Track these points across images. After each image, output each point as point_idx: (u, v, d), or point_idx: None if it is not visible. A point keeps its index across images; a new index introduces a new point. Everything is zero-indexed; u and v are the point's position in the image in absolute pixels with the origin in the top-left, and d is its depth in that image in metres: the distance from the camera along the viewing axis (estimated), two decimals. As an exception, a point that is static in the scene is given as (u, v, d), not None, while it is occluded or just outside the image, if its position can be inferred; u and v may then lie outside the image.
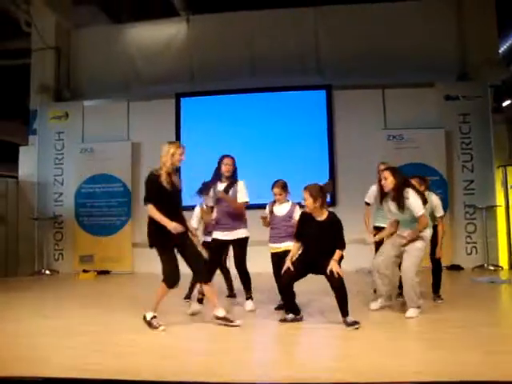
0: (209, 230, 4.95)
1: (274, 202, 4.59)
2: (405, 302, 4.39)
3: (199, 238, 4.83)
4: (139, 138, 8.83)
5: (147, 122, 8.80)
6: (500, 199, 7.93)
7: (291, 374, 2.83)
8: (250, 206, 4.78)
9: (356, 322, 3.79)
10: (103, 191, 8.70)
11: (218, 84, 8.73)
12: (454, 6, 8.73)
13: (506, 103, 9.21)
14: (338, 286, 3.81)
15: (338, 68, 8.65)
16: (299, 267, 3.99)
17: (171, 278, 3.93)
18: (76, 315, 4.70)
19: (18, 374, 2.77)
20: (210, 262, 4.44)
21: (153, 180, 3.94)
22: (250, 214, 4.84)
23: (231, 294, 5.41)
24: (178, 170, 4.16)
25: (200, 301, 4.61)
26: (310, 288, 5.13)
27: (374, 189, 5.24)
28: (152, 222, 3.93)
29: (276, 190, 4.51)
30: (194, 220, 5.12)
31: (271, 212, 4.57)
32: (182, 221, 3.96)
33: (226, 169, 4.67)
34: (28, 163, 9.17)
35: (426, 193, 4.64)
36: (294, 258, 4.06)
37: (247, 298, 4.74)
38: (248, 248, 4.74)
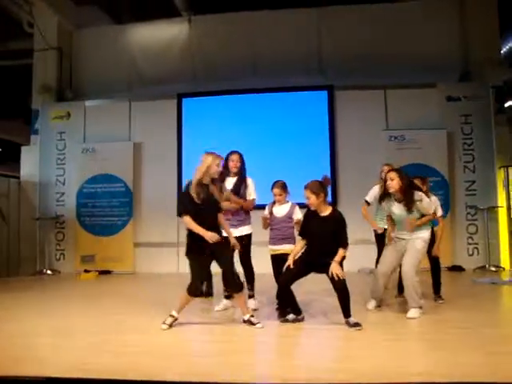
0: None
1: (274, 202, 4.56)
2: (404, 301, 4.39)
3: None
4: (141, 138, 8.84)
5: (149, 122, 8.81)
6: (502, 200, 7.92)
7: (292, 374, 2.83)
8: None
9: (358, 324, 3.79)
10: (105, 191, 8.71)
11: (219, 84, 8.73)
12: (455, 6, 8.73)
13: (507, 104, 9.19)
14: (340, 288, 3.81)
15: (339, 68, 8.65)
16: (300, 266, 3.99)
17: (193, 287, 3.98)
18: (77, 315, 4.71)
19: (19, 374, 2.78)
20: None
21: (185, 192, 4.03)
22: (251, 214, 4.89)
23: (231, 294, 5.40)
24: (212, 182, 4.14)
25: (227, 297, 4.72)
26: (312, 288, 5.14)
27: (376, 189, 5.24)
28: (188, 234, 4.03)
29: (276, 190, 4.48)
30: None
31: (271, 213, 4.54)
32: (216, 231, 4.00)
33: (232, 165, 4.78)
34: (30, 163, 9.19)
35: (428, 194, 4.67)
36: (297, 257, 4.06)
37: (250, 297, 4.75)
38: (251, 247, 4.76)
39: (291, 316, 4.11)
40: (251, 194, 4.81)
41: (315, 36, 8.96)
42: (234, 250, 4.26)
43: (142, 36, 9.64)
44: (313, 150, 8.27)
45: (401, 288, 5.04)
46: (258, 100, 8.61)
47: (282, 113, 8.47)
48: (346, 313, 3.86)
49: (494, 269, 7.47)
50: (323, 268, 3.86)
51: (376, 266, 4.77)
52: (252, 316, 4.01)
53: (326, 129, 8.34)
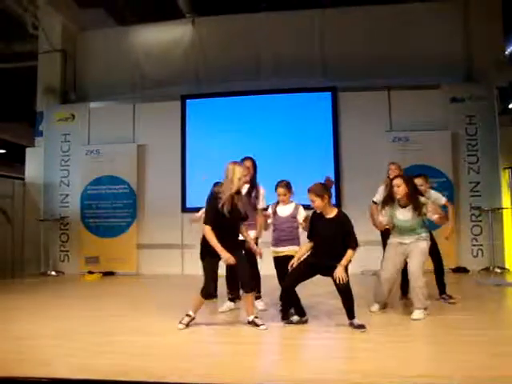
0: None
1: (278, 202, 4.52)
2: (408, 302, 4.37)
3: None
4: (145, 140, 8.86)
5: (153, 123, 8.83)
6: (506, 201, 7.89)
7: (296, 376, 2.83)
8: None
9: (362, 326, 3.78)
10: (109, 193, 8.73)
11: (223, 86, 8.74)
12: (460, 7, 8.69)
13: (512, 105, 9.17)
14: (343, 290, 3.81)
15: (343, 70, 8.63)
16: (305, 268, 3.99)
17: (207, 290, 4.01)
18: (81, 316, 4.71)
19: (23, 375, 2.79)
20: None
21: (213, 203, 4.00)
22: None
23: (236, 296, 5.39)
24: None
25: (231, 299, 4.77)
26: (316, 290, 5.14)
27: (383, 189, 5.24)
28: (204, 238, 4.04)
29: (280, 190, 4.45)
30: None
31: (274, 213, 4.50)
32: (235, 241, 4.06)
33: (246, 172, 4.67)
34: (34, 165, 9.22)
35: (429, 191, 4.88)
36: (302, 259, 4.05)
37: (257, 298, 4.74)
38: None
39: (295, 317, 4.10)
40: (260, 202, 4.79)
41: (318, 37, 8.95)
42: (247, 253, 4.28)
43: (145, 38, 9.66)
44: (316, 151, 8.26)
45: (404, 290, 5.04)
46: (262, 102, 8.61)
47: (286, 114, 8.46)
48: (350, 315, 3.86)
49: (498, 270, 7.43)
50: (328, 271, 3.86)
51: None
52: (256, 317, 4.02)
53: (329, 130, 8.33)
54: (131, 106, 9.04)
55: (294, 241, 4.42)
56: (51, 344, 3.60)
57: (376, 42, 8.58)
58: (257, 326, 3.94)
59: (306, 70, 8.79)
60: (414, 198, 4.32)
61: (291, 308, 4.15)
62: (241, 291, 5.18)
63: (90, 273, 8.28)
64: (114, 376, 2.79)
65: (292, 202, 4.51)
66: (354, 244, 3.86)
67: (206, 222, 3.97)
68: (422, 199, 4.36)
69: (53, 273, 8.54)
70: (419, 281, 4.18)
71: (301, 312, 4.10)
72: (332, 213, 3.97)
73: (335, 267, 3.79)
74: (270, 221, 4.57)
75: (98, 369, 2.92)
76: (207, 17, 9.39)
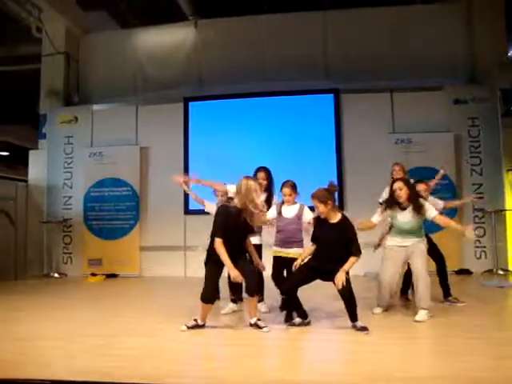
0: None
1: (283, 202, 4.49)
2: (410, 303, 4.35)
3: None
4: (147, 142, 8.87)
5: (156, 126, 8.84)
6: (509, 203, 7.87)
7: (299, 378, 2.83)
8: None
9: (365, 328, 3.77)
10: (112, 195, 8.75)
11: (226, 88, 8.74)
12: (462, 9, 8.69)
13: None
14: (345, 294, 3.80)
15: (345, 72, 8.63)
16: (306, 272, 3.99)
17: (208, 295, 4.00)
18: (84, 318, 4.72)
19: (24, 377, 2.79)
20: None
21: (222, 213, 4.00)
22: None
23: (238, 298, 5.39)
24: None
25: (233, 301, 4.77)
26: (319, 292, 5.12)
27: (387, 190, 5.24)
28: (211, 244, 4.02)
29: (286, 190, 4.42)
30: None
31: (279, 213, 4.47)
32: (241, 250, 4.07)
33: (259, 183, 4.62)
34: (38, 167, 9.25)
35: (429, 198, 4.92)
36: (303, 262, 4.05)
37: (259, 301, 4.74)
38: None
39: (298, 320, 4.09)
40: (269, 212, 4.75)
41: (321, 39, 8.96)
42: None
43: (148, 40, 9.70)
44: (319, 153, 8.26)
45: (404, 290, 5.05)
46: (264, 104, 8.62)
47: (288, 116, 8.48)
48: (353, 317, 3.85)
49: (501, 272, 7.41)
50: (329, 275, 3.85)
51: None
52: (259, 320, 4.01)
53: (332, 132, 8.33)
54: (134, 108, 9.06)
55: (299, 243, 4.39)
56: (53, 346, 3.60)
57: (379, 43, 8.58)
58: (259, 328, 3.93)
59: (308, 72, 8.79)
60: (414, 200, 4.34)
61: (294, 310, 4.15)
62: (243, 294, 5.20)
63: (93, 275, 8.30)
64: (116, 378, 2.78)
65: (296, 202, 4.48)
66: (357, 251, 3.86)
67: (216, 235, 3.95)
68: (421, 200, 4.39)
69: (56, 275, 8.56)
70: (425, 280, 4.19)
71: (303, 315, 4.10)
72: (336, 218, 3.97)
73: (336, 271, 3.79)
74: (269, 217, 4.52)
75: (99, 371, 2.91)
76: (210, 19, 9.43)
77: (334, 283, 3.81)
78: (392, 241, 4.49)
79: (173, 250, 8.44)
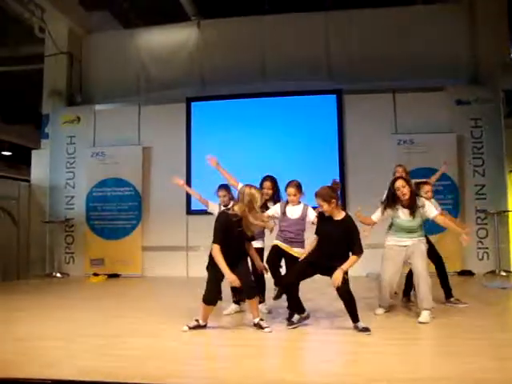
0: None
1: (287, 202, 4.47)
2: (411, 304, 4.32)
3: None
4: (150, 142, 8.88)
5: (158, 126, 8.85)
6: (512, 204, 7.86)
7: (301, 379, 2.83)
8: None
9: (367, 329, 3.76)
10: (114, 195, 8.76)
11: (228, 88, 8.74)
12: (465, 9, 8.67)
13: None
14: (343, 294, 3.80)
15: (348, 72, 8.63)
16: (305, 266, 4.00)
17: (210, 297, 4.01)
18: (86, 318, 4.72)
19: (26, 377, 2.79)
20: None
21: (223, 220, 3.99)
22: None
23: (241, 299, 5.39)
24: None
25: (236, 302, 4.78)
26: (320, 293, 5.12)
27: None
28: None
29: (291, 189, 4.39)
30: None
31: (284, 213, 4.44)
32: (240, 255, 4.07)
33: (264, 192, 4.66)
34: (40, 167, 9.27)
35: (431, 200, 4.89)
36: (303, 257, 4.08)
37: (260, 302, 4.73)
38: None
39: (296, 317, 4.08)
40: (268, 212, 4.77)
41: (324, 40, 8.96)
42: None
43: (151, 40, 9.71)
44: (322, 153, 8.26)
45: (406, 291, 5.04)
46: (267, 104, 8.62)
47: (291, 117, 8.47)
48: (354, 318, 3.84)
49: (504, 273, 7.39)
50: (328, 271, 3.85)
51: None
52: (262, 320, 4.01)
53: (334, 133, 8.33)
54: (136, 108, 9.07)
55: (301, 244, 4.40)
56: (54, 345, 3.60)
57: (381, 44, 8.58)
58: (262, 328, 3.93)
59: (311, 72, 8.79)
60: (413, 199, 4.34)
61: (294, 310, 4.13)
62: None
63: (95, 275, 8.30)
64: (117, 378, 2.79)
65: (300, 202, 4.47)
66: (359, 251, 3.85)
67: (214, 241, 3.95)
68: (421, 201, 4.39)
69: (58, 274, 8.57)
70: (426, 281, 4.18)
71: (300, 309, 4.07)
72: (339, 216, 3.97)
73: (335, 268, 3.78)
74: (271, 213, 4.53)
75: (101, 371, 2.92)
76: (212, 19, 9.43)
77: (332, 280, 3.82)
78: (391, 240, 4.48)
79: (175, 250, 8.45)
